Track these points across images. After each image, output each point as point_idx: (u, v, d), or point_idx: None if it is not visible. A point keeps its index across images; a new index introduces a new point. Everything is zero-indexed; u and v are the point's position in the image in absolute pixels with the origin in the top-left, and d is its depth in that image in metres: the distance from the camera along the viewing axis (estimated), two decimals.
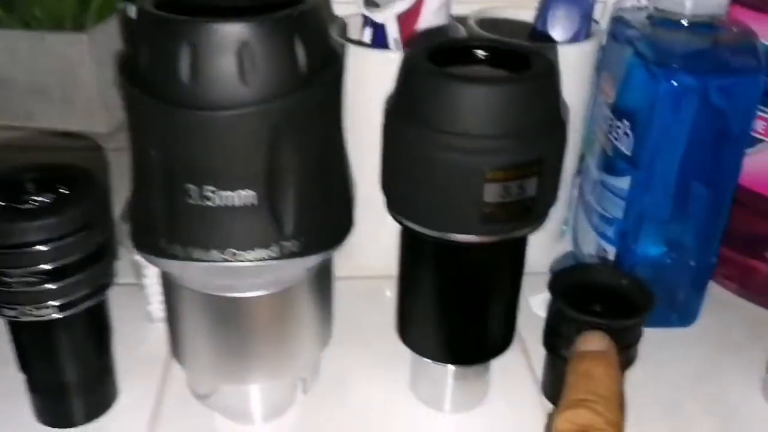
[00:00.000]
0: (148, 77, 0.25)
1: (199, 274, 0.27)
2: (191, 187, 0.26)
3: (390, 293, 0.42)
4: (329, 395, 0.34)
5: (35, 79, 0.59)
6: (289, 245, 0.27)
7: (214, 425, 0.33)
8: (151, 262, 0.28)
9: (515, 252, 0.30)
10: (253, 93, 0.24)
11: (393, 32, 0.37)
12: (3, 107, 0.61)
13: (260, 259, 0.27)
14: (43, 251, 0.28)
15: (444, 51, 0.28)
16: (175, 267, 0.28)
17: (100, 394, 0.33)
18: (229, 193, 0.26)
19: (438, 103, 0.25)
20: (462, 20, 0.42)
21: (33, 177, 0.31)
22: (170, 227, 0.27)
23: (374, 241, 0.40)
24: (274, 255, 0.27)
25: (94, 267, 0.30)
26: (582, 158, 0.43)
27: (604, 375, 0.28)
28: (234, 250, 0.27)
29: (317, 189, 0.27)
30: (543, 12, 0.40)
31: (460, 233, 0.27)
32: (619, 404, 0.27)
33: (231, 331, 0.29)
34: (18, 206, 0.30)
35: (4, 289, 0.29)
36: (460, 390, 0.33)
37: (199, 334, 0.30)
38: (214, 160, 0.25)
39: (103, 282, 0.31)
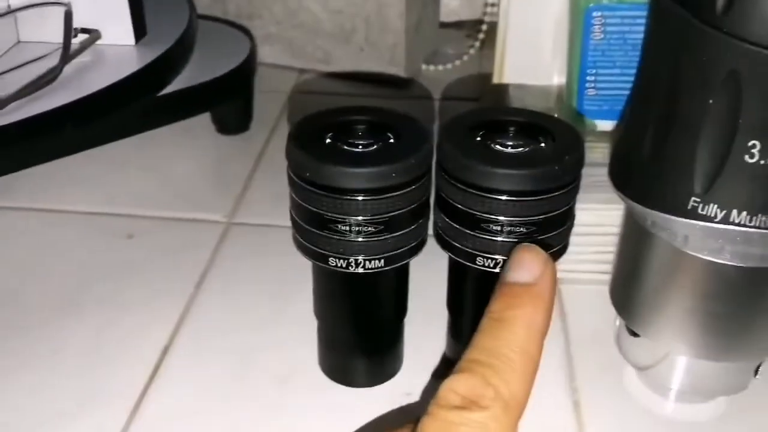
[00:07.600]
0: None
1: (728, 240, 0.25)
2: (755, 143, 0.23)
3: None
4: None
5: (341, 22, 0.59)
6: None
7: None
8: (663, 221, 0.26)
9: None
10: None
11: None
12: (302, 51, 0.62)
13: None
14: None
15: None
16: (702, 230, 0.25)
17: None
18: None
19: None
20: None
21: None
22: (711, 186, 0.24)
23: None
24: None
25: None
26: None
27: (519, 321, 0.20)
28: None
29: None
30: None
31: None
32: (526, 365, 0.20)
33: (732, 305, 0.26)
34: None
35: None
36: None
37: (686, 304, 0.27)
38: None
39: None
